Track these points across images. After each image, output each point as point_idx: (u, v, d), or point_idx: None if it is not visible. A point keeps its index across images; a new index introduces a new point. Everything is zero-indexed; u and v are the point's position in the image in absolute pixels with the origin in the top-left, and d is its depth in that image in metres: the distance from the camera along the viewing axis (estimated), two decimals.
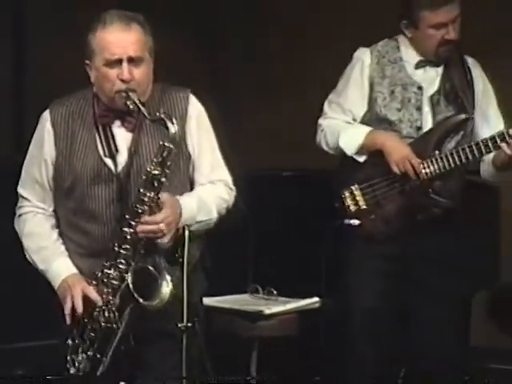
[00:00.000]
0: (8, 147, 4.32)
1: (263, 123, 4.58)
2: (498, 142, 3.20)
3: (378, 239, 3.32)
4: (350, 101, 3.35)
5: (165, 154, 2.70)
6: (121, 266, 2.71)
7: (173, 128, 2.69)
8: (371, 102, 3.32)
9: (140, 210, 2.70)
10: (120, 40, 2.70)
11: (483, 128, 3.32)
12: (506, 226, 3.94)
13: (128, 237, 2.71)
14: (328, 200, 3.45)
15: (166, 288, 2.71)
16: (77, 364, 2.75)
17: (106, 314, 2.71)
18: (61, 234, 2.86)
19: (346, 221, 3.37)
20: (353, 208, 3.35)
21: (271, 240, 3.92)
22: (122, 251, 2.71)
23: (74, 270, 2.79)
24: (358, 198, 3.36)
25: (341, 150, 3.35)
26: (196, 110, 2.85)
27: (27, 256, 2.86)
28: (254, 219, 3.84)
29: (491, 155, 3.28)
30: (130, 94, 2.70)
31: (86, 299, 2.72)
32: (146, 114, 2.70)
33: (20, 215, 2.87)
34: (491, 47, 4.05)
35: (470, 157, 3.24)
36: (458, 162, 3.24)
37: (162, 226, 2.69)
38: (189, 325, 2.84)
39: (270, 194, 4.06)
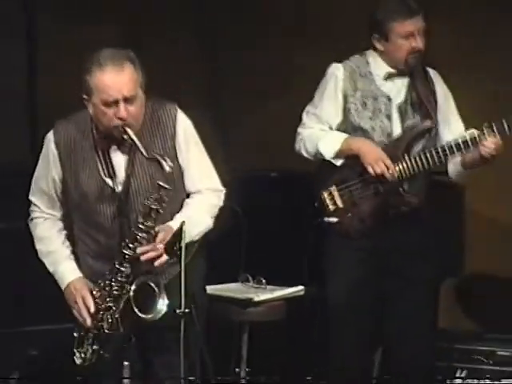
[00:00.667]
0: (24, 151, 4.43)
1: (258, 124, 4.63)
2: (463, 146, 3.42)
3: (354, 236, 3.53)
4: (326, 111, 3.55)
5: (162, 193, 2.93)
6: (120, 279, 2.96)
7: (167, 167, 2.90)
8: (345, 112, 3.54)
9: (139, 237, 2.95)
10: (115, 82, 2.89)
11: (445, 132, 3.55)
12: (471, 221, 4.18)
13: (127, 257, 2.96)
14: (311, 198, 3.62)
15: (162, 306, 2.96)
16: (83, 355, 2.99)
17: (109, 320, 2.95)
18: (73, 236, 3.09)
19: (325, 219, 3.55)
20: (331, 207, 3.55)
21: (261, 235, 4.06)
22: (121, 268, 2.96)
23: (79, 274, 3.05)
24: (335, 198, 3.55)
25: (319, 156, 3.55)
26: (183, 125, 3.06)
27: (40, 257, 3.10)
28: (246, 216, 4.01)
29: (459, 158, 3.50)
30: (127, 129, 2.90)
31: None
32: (142, 151, 2.90)
33: (32, 219, 3.13)
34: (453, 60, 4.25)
35: (437, 160, 3.46)
36: (426, 165, 3.47)
37: (160, 246, 2.92)
38: (186, 311, 3.01)
39: (260, 192, 4.22)
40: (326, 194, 3.56)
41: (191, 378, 3.04)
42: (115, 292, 2.97)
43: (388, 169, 3.46)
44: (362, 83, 3.53)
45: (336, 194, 3.55)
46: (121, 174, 3.02)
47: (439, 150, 3.47)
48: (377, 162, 3.46)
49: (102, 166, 3.01)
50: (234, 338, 3.85)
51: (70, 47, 4.42)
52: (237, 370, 3.83)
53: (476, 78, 4.14)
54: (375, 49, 3.54)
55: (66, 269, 3.04)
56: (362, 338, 3.58)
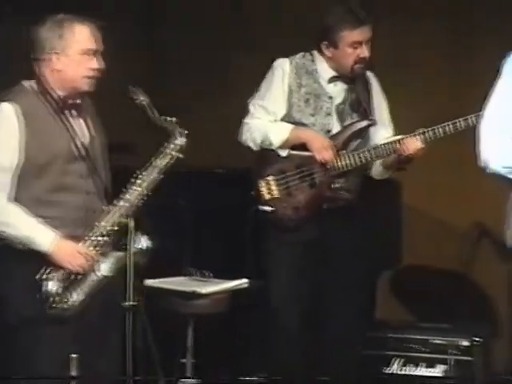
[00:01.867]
0: None
1: (200, 124, 4.55)
2: (397, 145, 3.51)
3: (288, 225, 3.59)
4: (274, 103, 3.62)
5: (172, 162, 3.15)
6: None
7: (181, 141, 3.14)
8: (289, 106, 3.61)
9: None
10: (95, 34, 3.12)
11: (378, 132, 3.64)
12: (406, 217, 4.24)
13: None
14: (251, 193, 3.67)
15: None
16: (52, 299, 3.04)
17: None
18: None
19: (260, 207, 3.60)
20: (267, 196, 3.61)
21: (206, 229, 4.11)
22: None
23: (58, 236, 3.09)
24: (272, 188, 3.61)
25: (265, 145, 3.61)
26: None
27: (5, 229, 3.05)
28: (191, 211, 4.05)
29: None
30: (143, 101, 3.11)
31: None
32: (152, 115, 3.11)
33: None
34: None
35: (374, 158, 3.56)
36: (360, 162, 3.57)
37: None
38: (133, 303, 3.08)
39: (205, 188, 4.23)
40: (263, 183, 3.61)
41: (137, 378, 3.12)
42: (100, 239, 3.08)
43: (333, 157, 3.55)
44: (307, 80, 3.61)
45: (273, 183, 3.61)
46: (84, 135, 3.16)
47: (375, 149, 3.56)
48: (325, 149, 3.55)
49: (68, 129, 3.11)
50: (179, 329, 3.85)
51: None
52: (182, 361, 3.83)
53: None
54: (321, 52, 3.61)
55: (45, 231, 3.06)
56: (302, 331, 3.62)
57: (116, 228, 3.10)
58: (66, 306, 3.06)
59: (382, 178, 3.70)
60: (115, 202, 3.13)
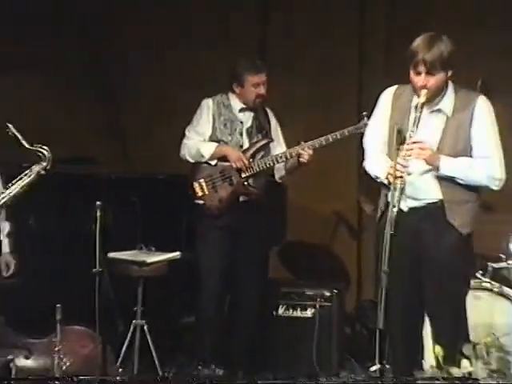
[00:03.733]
0: None
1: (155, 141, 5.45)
2: (288, 156, 4.76)
3: (214, 213, 4.66)
4: (203, 128, 4.84)
5: None
6: None
7: (41, 165, 3.69)
8: (213, 129, 4.85)
9: None
10: None
11: (276, 147, 4.89)
12: (291, 209, 5.42)
13: None
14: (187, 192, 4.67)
15: None
16: None
17: None
18: None
19: (196, 201, 4.65)
20: (200, 193, 4.69)
21: (153, 217, 4.96)
22: None
23: None
24: (203, 187, 4.68)
25: (198, 158, 4.73)
26: None
27: None
28: (142, 205, 4.98)
29: (282, 164, 4.85)
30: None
31: None
32: (21, 144, 3.66)
33: None
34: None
35: (271, 164, 4.79)
36: (263, 167, 4.79)
37: None
38: (99, 269, 4.01)
39: (152, 189, 5.09)
40: (196, 184, 4.69)
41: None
42: None
43: (245, 164, 4.74)
44: (224, 111, 4.84)
45: (203, 184, 4.69)
46: None
47: (273, 158, 4.81)
48: (238, 159, 4.73)
49: None
50: (133, 288, 4.70)
51: None
52: (135, 308, 4.67)
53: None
54: (233, 91, 4.86)
55: None
56: (221, 293, 4.68)
57: None
58: None
59: (281, 180, 4.87)
60: None
